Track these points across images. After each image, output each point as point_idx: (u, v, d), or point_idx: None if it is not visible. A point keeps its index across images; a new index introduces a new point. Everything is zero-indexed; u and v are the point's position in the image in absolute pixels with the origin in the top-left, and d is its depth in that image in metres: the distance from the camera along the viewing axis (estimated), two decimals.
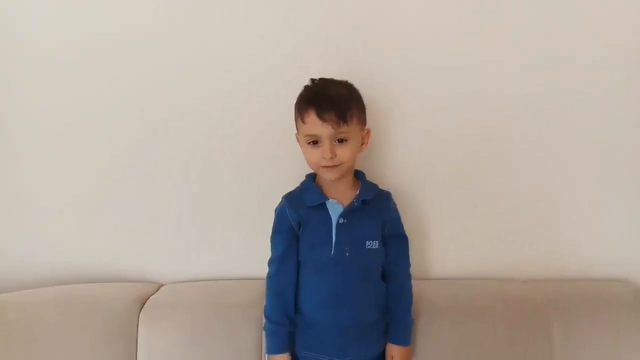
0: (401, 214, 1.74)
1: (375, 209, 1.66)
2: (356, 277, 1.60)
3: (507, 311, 1.76)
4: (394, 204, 1.73)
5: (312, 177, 1.70)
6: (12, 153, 1.91)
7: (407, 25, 1.84)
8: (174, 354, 1.71)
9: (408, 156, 1.90)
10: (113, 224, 1.94)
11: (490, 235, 1.95)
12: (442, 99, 1.87)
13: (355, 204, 1.62)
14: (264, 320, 1.65)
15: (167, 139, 1.89)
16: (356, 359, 1.62)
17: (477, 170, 1.91)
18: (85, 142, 1.90)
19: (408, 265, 1.72)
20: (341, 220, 1.60)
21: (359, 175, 1.71)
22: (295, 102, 1.64)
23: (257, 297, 1.75)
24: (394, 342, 1.66)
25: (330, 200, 1.62)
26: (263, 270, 1.67)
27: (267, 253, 1.65)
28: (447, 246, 1.95)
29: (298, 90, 1.64)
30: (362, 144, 1.65)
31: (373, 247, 1.63)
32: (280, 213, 1.65)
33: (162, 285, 1.92)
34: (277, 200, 1.69)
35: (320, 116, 1.52)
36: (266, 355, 1.65)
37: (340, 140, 1.56)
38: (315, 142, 1.57)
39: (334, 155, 1.55)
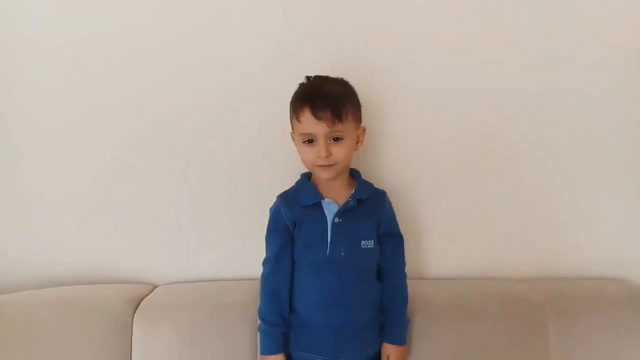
0: (398, 214, 1.75)
1: (371, 208, 1.67)
2: (351, 277, 1.61)
3: (505, 310, 1.77)
4: (389, 203, 1.74)
5: (307, 176, 1.71)
6: (12, 153, 1.93)
7: (406, 24, 1.86)
8: (169, 355, 1.72)
9: (405, 155, 1.92)
10: (112, 224, 1.95)
11: (489, 234, 1.97)
12: (440, 98, 1.89)
13: (351, 203, 1.63)
14: (258, 321, 1.65)
15: (167, 138, 1.91)
16: (351, 358, 1.62)
17: (476, 170, 1.93)
18: (84, 141, 1.91)
19: (403, 264, 1.73)
20: (336, 220, 1.61)
21: (354, 174, 1.72)
22: (292, 96, 1.65)
23: (252, 297, 1.74)
24: (389, 342, 1.66)
25: (326, 199, 1.63)
26: (260, 269, 1.67)
27: (264, 252, 1.67)
28: (444, 246, 1.97)
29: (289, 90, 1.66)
30: (357, 142, 1.65)
31: (368, 246, 1.64)
32: (275, 212, 1.66)
33: (157, 287, 1.94)
34: (274, 199, 1.70)
35: (315, 114, 1.52)
36: (259, 356, 1.66)
37: (336, 139, 1.56)
38: (310, 141, 1.58)
39: (329, 154, 1.55)
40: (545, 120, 1.91)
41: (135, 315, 1.76)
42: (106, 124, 1.91)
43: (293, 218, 1.62)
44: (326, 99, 1.54)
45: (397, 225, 1.74)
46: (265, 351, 1.62)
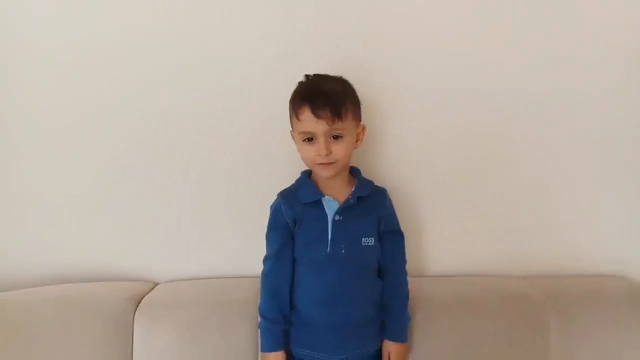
0: (398, 211, 1.77)
1: (371, 206, 1.69)
2: (352, 274, 1.62)
3: (505, 307, 1.78)
4: (390, 201, 1.76)
5: (307, 174, 1.72)
6: (12, 153, 1.94)
7: (406, 24, 1.88)
8: (170, 352, 1.73)
9: (405, 155, 1.94)
10: (112, 223, 1.97)
11: (489, 232, 1.99)
12: (440, 98, 1.91)
13: (351, 200, 1.64)
14: (259, 319, 1.66)
15: (167, 138, 1.93)
16: (352, 356, 1.63)
17: (476, 169, 1.95)
18: (84, 141, 1.93)
19: (404, 261, 1.74)
20: (337, 217, 1.62)
21: (354, 172, 1.74)
22: (291, 95, 1.66)
23: (252, 294, 1.76)
24: (390, 339, 1.67)
25: (326, 197, 1.64)
26: (260, 268, 1.69)
27: (264, 251, 1.68)
28: (445, 243, 1.99)
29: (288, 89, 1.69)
30: (357, 141, 1.67)
31: (369, 243, 1.65)
32: (275, 210, 1.67)
33: (157, 284, 1.96)
34: (275, 198, 1.71)
35: (315, 112, 1.53)
36: (260, 354, 1.67)
37: (336, 137, 1.58)
38: (310, 139, 1.59)
39: (329, 152, 1.57)
40: (545, 120, 1.93)
41: (136, 312, 1.77)
42: (106, 123, 1.92)
43: (293, 216, 1.64)
44: (326, 97, 1.55)
45: (397, 222, 1.75)
46: (266, 348, 1.62)
